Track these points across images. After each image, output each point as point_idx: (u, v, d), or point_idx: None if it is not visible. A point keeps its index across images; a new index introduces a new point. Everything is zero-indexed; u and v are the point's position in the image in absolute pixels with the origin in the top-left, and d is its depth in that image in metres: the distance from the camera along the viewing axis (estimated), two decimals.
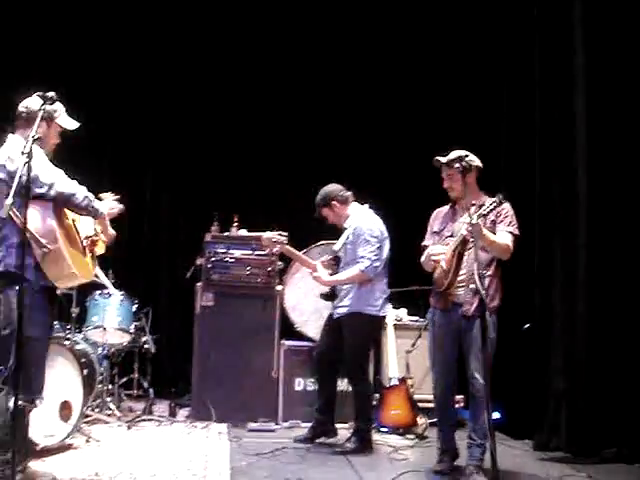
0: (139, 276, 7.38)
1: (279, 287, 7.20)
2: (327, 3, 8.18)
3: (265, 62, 8.32)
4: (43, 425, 5.17)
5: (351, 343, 6.02)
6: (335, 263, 6.17)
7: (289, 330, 7.21)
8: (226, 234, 7.28)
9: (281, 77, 8.32)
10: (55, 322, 5.23)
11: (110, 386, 6.89)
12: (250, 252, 7.17)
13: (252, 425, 6.75)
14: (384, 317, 6.33)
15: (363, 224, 6.04)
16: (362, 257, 5.93)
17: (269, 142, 8.33)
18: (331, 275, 6.14)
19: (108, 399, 6.76)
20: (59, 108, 4.46)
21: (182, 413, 7.22)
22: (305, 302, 7.09)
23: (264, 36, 8.31)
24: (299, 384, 7.07)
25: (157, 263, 8.43)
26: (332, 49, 8.28)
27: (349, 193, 6.23)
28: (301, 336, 7.20)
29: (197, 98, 8.37)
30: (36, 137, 3.85)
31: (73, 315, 6.60)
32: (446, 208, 5.46)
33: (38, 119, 4.03)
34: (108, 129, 8.13)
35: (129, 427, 6.51)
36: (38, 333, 4.18)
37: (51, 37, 7.95)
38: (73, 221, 4.46)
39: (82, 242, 4.50)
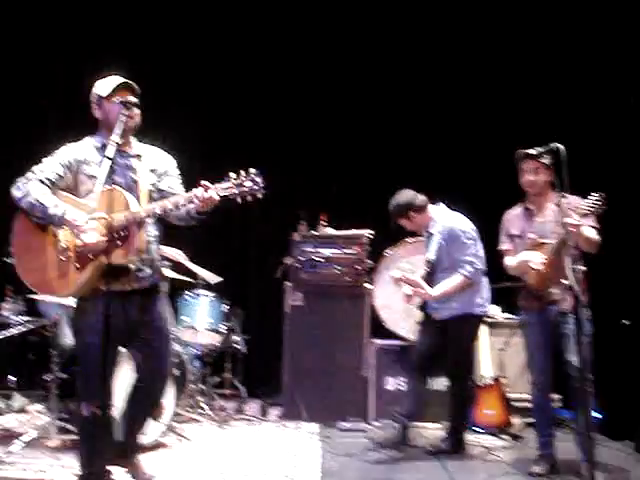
0: (229, 276, 7.39)
1: (368, 285, 7.13)
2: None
3: (349, 66, 8.29)
4: None
5: (460, 344, 5.88)
6: (430, 271, 5.90)
7: (379, 329, 7.13)
8: (314, 233, 7.27)
9: (368, 79, 8.26)
10: None
11: (202, 386, 6.94)
12: (338, 251, 7.15)
13: (343, 425, 6.72)
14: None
15: (454, 226, 5.80)
16: (463, 262, 5.71)
17: (357, 141, 8.27)
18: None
19: (200, 398, 6.83)
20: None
21: (273, 412, 7.22)
22: (395, 300, 6.95)
23: (359, 44, 8.30)
24: (390, 383, 6.99)
25: (247, 263, 8.45)
26: (413, 50, 8.21)
27: (423, 198, 5.95)
28: (391, 335, 7.13)
29: (287, 101, 8.36)
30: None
31: None
32: (518, 210, 5.40)
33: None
34: (198, 127, 8.17)
35: (221, 426, 6.57)
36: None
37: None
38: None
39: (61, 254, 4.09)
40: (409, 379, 6.12)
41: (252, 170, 3.87)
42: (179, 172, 4.49)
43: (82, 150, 4.18)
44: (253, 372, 7.78)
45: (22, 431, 5.86)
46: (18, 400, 6.77)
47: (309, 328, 7.02)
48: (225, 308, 7.06)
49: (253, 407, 7.39)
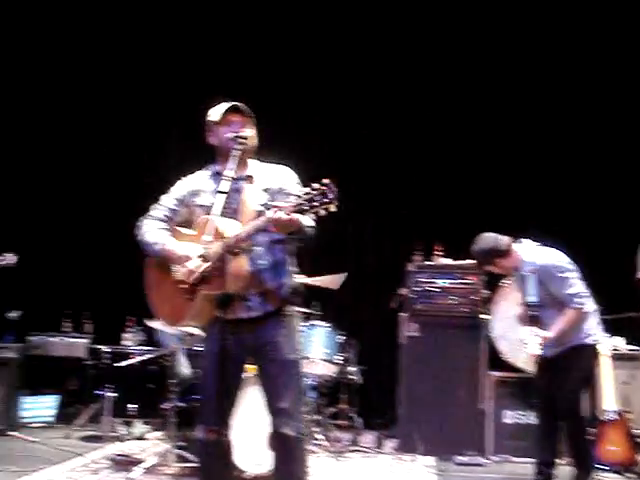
0: (344, 307, 7.42)
1: (485, 316, 7.00)
2: None
3: (463, 102, 8.35)
4: (253, 454, 5.31)
5: (574, 377, 5.58)
6: (531, 312, 5.59)
7: (496, 360, 6.96)
8: (429, 263, 7.23)
9: (477, 115, 8.30)
10: None
11: (317, 416, 6.93)
12: (454, 281, 7.08)
13: (460, 459, 6.62)
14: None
15: (547, 264, 5.50)
16: (570, 297, 5.44)
17: (473, 171, 8.24)
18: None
19: (315, 429, 6.82)
20: None
21: (389, 444, 7.17)
22: (513, 331, 6.77)
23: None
24: (509, 416, 6.82)
25: (362, 294, 8.46)
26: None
27: (506, 241, 5.61)
28: (509, 366, 6.92)
29: (407, 133, 8.43)
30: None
31: None
32: None
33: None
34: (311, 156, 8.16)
35: (336, 458, 6.56)
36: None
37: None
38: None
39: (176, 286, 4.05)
40: (537, 424, 5.86)
41: (324, 181, 3.53)
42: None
43: (195, 181, 4.19)
44: (368, 403, 7.72)
45: (142, 458, 6.03)
46: (138, 427, 6.99)
47: (425, 359, 6.96)
48: (340, 339, 7.05)
49: (368, 439, 7.35)
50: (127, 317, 7.84)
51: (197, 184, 4.15)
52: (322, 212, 3.54)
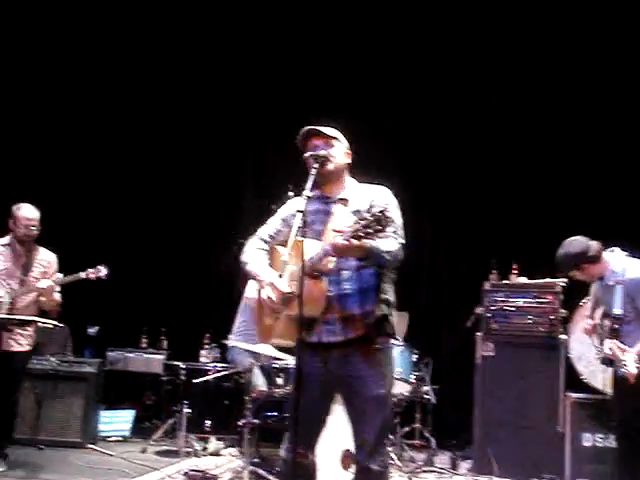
0: (419, 326, 7.37)
1: (563, 336, 6.84)
2: None
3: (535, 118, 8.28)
4: (326, 473, 5.19)
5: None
6: (615, 325, 5.38)
7: (575, 381, 6.79)
8: (506, 282, 7.13)
9: (552, 129, 8.23)
10: None
11: (391, 436, 6.85)
12: (531, 300, 6.94)
13: None
14: None
15: (638, 277, 5.31)
16: None
17: (548, 189, 8.16)
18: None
19: (389, 449, 6.73)
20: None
21: (464, 465, 7.08)
22: (591, 352, 6.63)
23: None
24: (587, 439, 6.58)
25: (437, 312, 8.41)
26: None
27: (597, 247, 5.44)
28: (588, 388, 6.72)
29: (482, 152, 8.43)
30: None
31: None
32: None
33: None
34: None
35: (410, 478, 6.49)
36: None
37: None
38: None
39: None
40: (617, 447, 5.68)
41: (381, 208, 3.49)
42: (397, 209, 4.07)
43: (297, 203, 4.04)
44: (443, 423, 7.67)
45: (217, 474, 6.07)
46: (213, 443, 7.03)
47: (501, 379, 6.83)
48: (415, 357, 7.00)
49: (443, 459, 7.26)
50: (204, 334, 7.90)
51: (298, 206, 3.97)
52: (370, 235, 3.49)
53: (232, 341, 6.73)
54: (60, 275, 6.13)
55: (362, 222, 3.47)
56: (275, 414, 5.96)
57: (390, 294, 3.98)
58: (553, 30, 8.18)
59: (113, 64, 9.10)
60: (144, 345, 8.71)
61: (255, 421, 5.86)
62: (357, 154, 4.12)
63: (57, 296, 6.18)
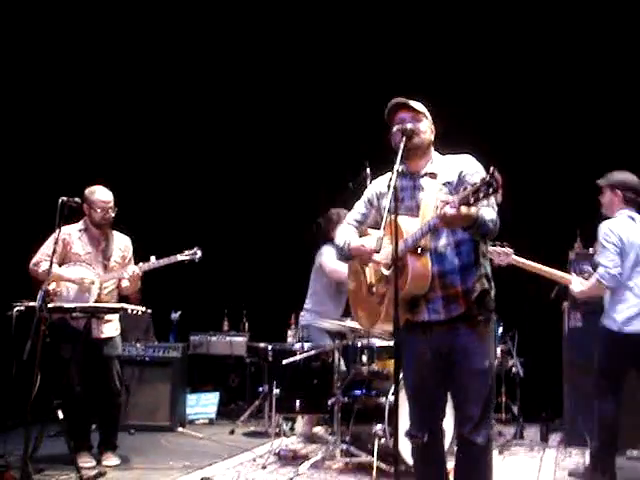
0: (503, 298, 7.25)
1: None
2: None
3: None
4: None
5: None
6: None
7: None
8: (590, 251, 6.91)
9: None
10: None
11: None
12: None
13: (632, 453, 6.35)
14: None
15: (603, 228, 5.40)
16: (599, 264, 5.32)
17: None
18: None
19: None
20: None
21: (554, 438, 7.02)
22: None
23: None
24: None
25: (522, 284, 8.22)
26: None
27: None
28: None
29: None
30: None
31: None
32: None
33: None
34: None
35: (500, 452, 6.44)
36: None
37: None
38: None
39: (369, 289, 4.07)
40: None
41: (491, 169, 3.31)
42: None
43: (382, 182, 4.09)
44: (531, 396, 7.57)
45: (307, 453, 6.08)
46: (302, 423, 7.03)
47: (589, 350, 6.59)
48: (500, 330, 6.91)
49: (532, 432, 7.20)
50: (290, 313, 7.86)
51: (383, 185, 4.02)
52: (486, 202, 3.43)
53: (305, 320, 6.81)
54: (153, 258, 5.92)
55: (471, 188, 3.36)
56: (363, 391, 5.99)
57: (488, 268, 3.93)
58: None
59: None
60: (226, 328, 8.80)
61: (344, 400, 5.86)
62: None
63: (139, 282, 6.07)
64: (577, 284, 5.59)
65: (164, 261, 5.90)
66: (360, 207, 4.17)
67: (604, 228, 5.38)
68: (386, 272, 3.82)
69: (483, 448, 3.77)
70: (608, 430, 5.42)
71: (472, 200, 3.35)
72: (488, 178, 3.29)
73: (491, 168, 3.32)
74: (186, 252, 5.94)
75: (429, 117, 4.01)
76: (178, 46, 8.99)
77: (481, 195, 3.32)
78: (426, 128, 3.97)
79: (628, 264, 5.33)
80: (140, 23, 8.73)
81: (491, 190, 3.30)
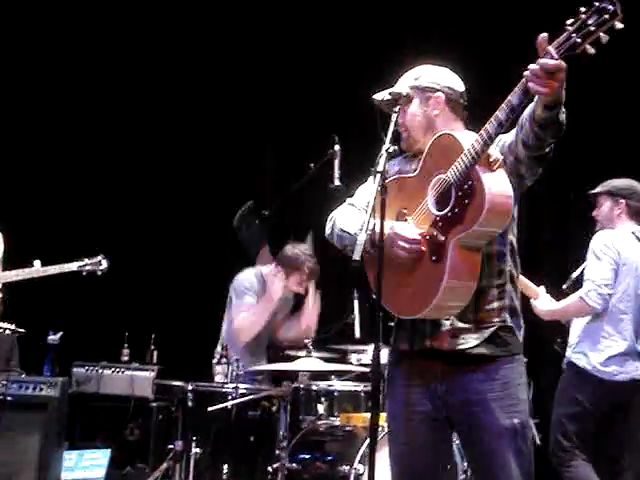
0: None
1: None
2: None
3: None
4: None
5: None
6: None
7: None
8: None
9: None
10: None
11: None
12: None
13: None
14: (621, 381, 5.03)
15: (600, 238, 5.14)
16: (587, 279, 5.02)
17: None
18: None
19: None
20: None
21: None
22: None
23: None
24: None
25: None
26: None
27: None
28: None
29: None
30: None
31: None
32: None
33: None
34: None
35: None
36: None
37: None
38: None
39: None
40: None
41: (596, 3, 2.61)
42: None
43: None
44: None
45: None
46: None
47: None
48: None
49: None
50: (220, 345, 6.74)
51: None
52: (603, 36, 2.61)
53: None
54: (37, 262, 5.39)
55: (574, 26, 2.65)
56: (317, 456, 5.34)
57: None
58: None
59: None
60: (125, 358, 7.35)
61: (291, 465, 5.14)
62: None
63: None
64: (545, 301, 5.22)
65: (53, 269, 5.46)
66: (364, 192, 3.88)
67: (601, 238, 5.13)
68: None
69: None
70: None
71: (580, 40, 2.63)
72: (600, 4, 2.59)
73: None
74: (86, 260, 5.54)
75: (423, 85, 3.49)
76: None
77: (592, 28, 2.59)
78: (414, 111, 3.54)
79: (620, 288, 5.05)
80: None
81: (606, 17, 2.57)
